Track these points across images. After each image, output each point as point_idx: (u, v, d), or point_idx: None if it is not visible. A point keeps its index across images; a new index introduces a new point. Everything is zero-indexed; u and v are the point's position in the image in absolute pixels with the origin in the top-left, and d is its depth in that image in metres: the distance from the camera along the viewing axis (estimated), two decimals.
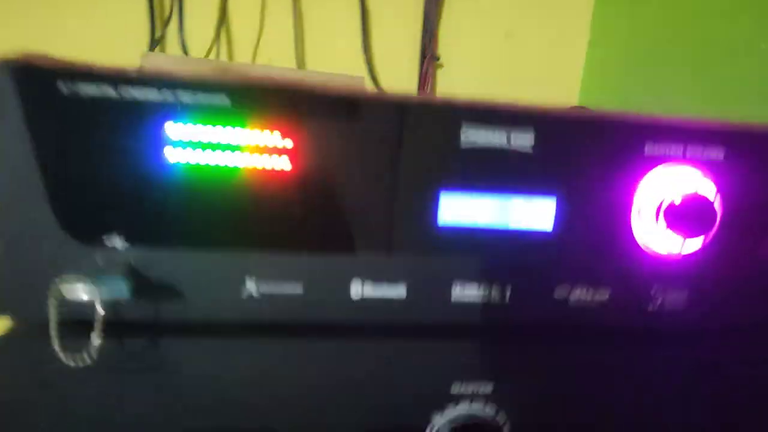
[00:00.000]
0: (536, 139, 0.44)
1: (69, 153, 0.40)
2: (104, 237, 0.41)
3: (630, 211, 0.47)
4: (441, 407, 0.48)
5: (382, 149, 0.43)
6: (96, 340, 0.39)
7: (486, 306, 0.47)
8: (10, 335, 0.43)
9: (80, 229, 0.41)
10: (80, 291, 0.38)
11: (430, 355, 0.48)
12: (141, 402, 0.43)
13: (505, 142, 0.44)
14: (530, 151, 0.44)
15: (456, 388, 0.48)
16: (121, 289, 0.39)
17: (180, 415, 0.44)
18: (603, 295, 0.48)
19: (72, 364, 0.40)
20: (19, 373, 0.42)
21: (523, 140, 0.44)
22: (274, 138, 0.42)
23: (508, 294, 0.47)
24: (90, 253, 0.41)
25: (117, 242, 0.41)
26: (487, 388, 0.49)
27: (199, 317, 0.43)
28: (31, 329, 0.41)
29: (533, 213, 0.46)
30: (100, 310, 0.39)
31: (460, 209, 0.45)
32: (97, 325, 0.39)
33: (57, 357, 0.40)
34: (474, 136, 0.44)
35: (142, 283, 0.42)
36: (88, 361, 0.40)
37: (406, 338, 0.47)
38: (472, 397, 0.49)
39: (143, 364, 0.43)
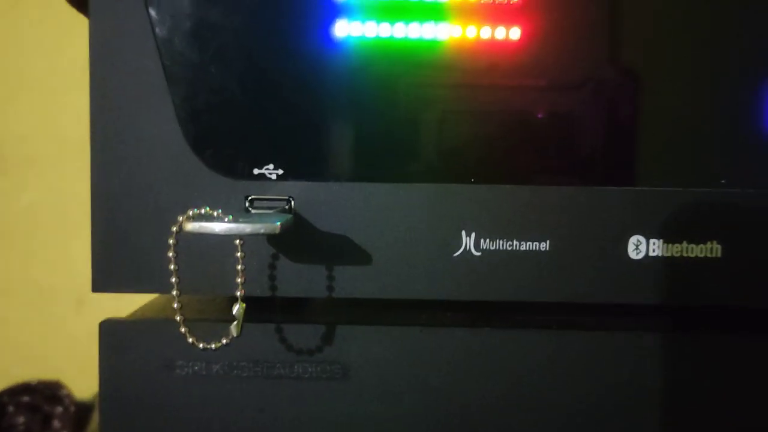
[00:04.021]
0: None
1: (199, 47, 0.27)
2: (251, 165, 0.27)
3: None
4: None
5: None
6: (237, 306, 0.25)
7: None
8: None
9: (218, 155, 0.27)
10: (212, 225, 0.24)
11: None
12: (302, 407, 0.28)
13: None
14: None
15: None
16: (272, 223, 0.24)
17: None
18: None
19: (201, 345, 0.25)
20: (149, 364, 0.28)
21: None
22: None
23: None
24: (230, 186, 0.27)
25: (268, 170, 0.27)
26: None
27: (388, 285, 0.28)
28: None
29: None
30: (241, 256, 0.25)
31: None
32: (239, 286, 0.25)
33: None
34: None
35: (299, 236, 0.27)
36: (227, 341, 0.25)
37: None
38: None
39: (305, 352, 0.28)
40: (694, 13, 0.27)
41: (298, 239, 0.28)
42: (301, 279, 0.28)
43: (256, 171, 0.27)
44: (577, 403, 0.28)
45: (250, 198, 0.27)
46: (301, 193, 0.27)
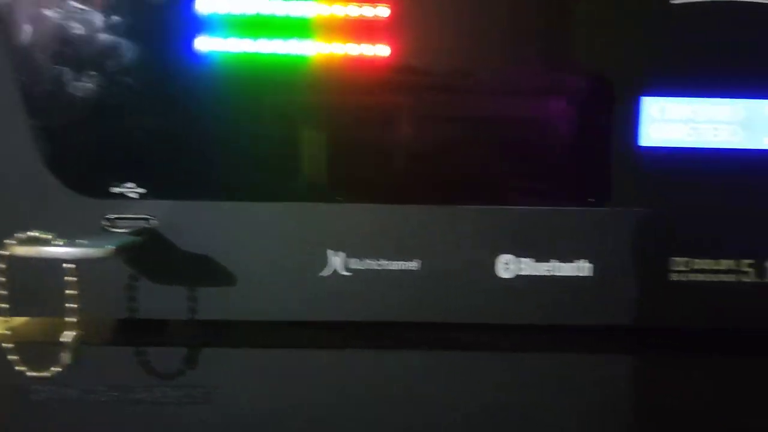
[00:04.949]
0: None
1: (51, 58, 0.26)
2: (110, 183, 0.27)
3: None
4: None
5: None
6: (69, 335, 0.24)
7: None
8: None
9: (75, 173, 0.27)
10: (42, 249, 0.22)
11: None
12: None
13: None
14: None
15: None
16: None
17: None
18: None
19: (34, 374, 0.24)
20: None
21: None
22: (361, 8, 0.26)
23: None
24: (88, 204, 0.26)
25: (128, 189, 0.27)
26: None
27: (253, 307, 0.27)
28: None
29: None
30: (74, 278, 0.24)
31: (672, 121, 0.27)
32: (75, 312, 0.24)
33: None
34: None
35: (161, 256, 0.26)
36: (59, 369, 0.24)
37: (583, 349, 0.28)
38: None
39: (166, 376, 0.27)
40: (561, 30, 0.27)
41: (160, 259, 0.27)
42: (162, 300, 0.27)
43: (115, 189, 0.26)
44: (443, 421, 0.28)
45: (108, 217, 0.27)
46: (164, 212, 0.27)
